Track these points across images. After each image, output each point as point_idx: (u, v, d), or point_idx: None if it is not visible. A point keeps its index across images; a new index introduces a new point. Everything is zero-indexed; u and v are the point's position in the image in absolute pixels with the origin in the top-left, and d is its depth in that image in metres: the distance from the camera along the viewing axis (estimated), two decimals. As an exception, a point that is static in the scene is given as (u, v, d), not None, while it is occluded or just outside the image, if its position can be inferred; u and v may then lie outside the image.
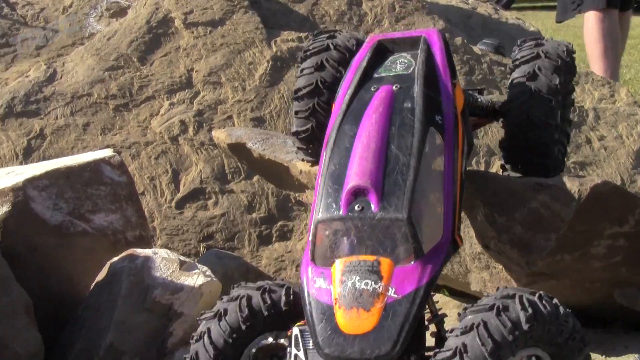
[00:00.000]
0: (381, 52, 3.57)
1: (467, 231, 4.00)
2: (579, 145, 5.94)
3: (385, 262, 2.91)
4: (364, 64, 3.51)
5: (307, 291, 3.03)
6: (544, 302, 2.71)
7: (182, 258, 4.48)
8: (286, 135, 5.02)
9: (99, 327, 4.20)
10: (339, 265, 2.95)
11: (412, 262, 2.91)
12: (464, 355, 2.57)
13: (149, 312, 4.22)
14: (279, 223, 5.45)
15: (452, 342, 2.65)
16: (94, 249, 4.59)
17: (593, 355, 4.04)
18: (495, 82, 6.14)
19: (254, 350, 3.02)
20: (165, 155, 5.60)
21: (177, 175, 5.52)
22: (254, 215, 5.42)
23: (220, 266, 4.95)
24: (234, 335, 2.91)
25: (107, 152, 4.79)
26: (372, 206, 3.01)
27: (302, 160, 4.42)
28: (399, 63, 3.50)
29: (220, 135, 4.82)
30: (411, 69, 3.43)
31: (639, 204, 3.91)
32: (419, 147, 3.15)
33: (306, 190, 4.53)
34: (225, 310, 2.98)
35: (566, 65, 3.98)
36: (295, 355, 2.94)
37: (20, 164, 5.40)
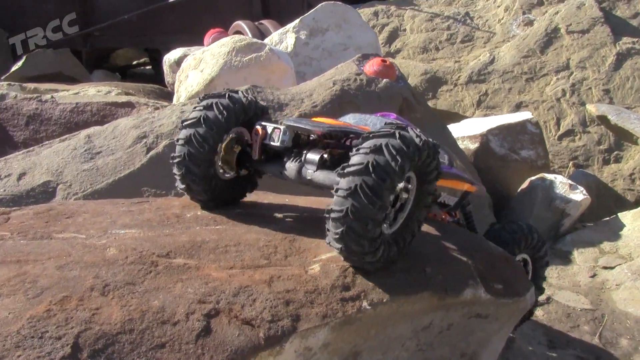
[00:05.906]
0: None
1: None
2: None
3: None
4: None
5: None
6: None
7: (571, 182, 6.38)
8: (630, 111, 7.51)
9: (523, 215, 6.17)
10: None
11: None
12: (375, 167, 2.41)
13: (552, 212, 6.23)
14: (614, 152, 7.98)
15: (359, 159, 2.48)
16: (520, 170, 6.72)
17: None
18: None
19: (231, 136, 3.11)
20: (553, 108, 8.41)
21: (559, 121, 8.30)
22: (601, 147, 8.01)
23: (584, 180, 7.05)
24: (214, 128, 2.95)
25: (528, 115, 7.25)
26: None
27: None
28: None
29: (592, 109, 7.52)
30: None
31: None
32: None
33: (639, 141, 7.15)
34: (207, 114, 2.99)
35: None
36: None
37: (474, 112, 8.28)
